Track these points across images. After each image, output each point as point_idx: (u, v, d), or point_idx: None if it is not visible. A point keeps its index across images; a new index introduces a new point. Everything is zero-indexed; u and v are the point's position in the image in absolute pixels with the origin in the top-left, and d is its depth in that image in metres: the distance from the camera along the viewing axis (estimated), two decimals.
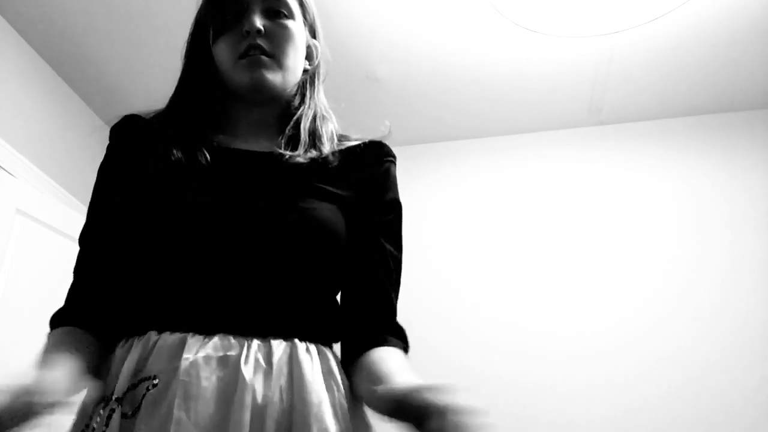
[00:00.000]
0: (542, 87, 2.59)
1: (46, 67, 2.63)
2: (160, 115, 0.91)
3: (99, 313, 0.80)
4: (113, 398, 0.69)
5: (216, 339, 0.72)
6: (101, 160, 0.89)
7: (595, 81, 2.50)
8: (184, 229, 0.77)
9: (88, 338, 0.77)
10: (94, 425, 0.69)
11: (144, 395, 0.69)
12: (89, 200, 0.88)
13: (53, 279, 2.26)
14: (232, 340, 0.73)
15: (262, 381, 0.71)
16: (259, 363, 0.72)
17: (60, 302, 0.83)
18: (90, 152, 2.79)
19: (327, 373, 0.77)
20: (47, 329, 0.80)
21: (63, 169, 2.70)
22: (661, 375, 2.40)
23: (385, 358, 0.77)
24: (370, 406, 0.73)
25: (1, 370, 2.19)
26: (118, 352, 0.76)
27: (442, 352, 2.63)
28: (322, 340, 0.81)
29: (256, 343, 0.73)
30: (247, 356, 0.72)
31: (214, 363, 0.71)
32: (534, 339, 2.59)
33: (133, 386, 0.70)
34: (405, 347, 0.83)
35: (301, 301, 0.79)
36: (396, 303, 0.87)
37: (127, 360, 0.72)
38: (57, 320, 0.80)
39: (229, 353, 0.72)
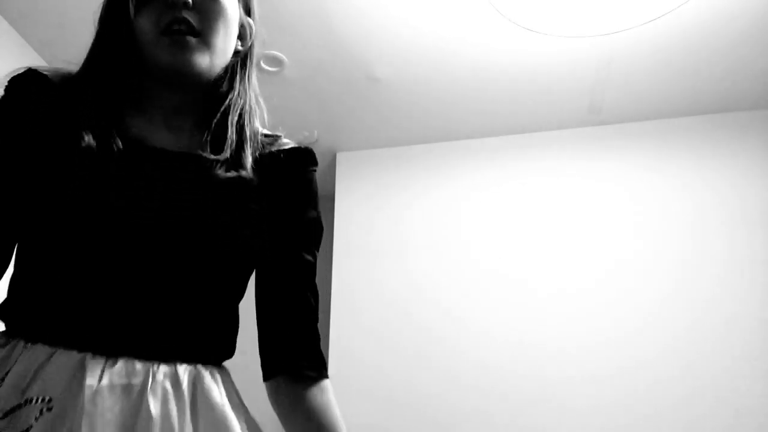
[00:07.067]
0: (542, 87, 2.58)
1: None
2: (70, 83, 0.78)
3: None
4: None
5: (120, 363, 0.67)
6: None
7: (595, 81, 2.49)
8: (89, 234, 0.68)
9: None
10: None
11: (36, 418, 0.62)
12: None
13: None
14: (137, 366, 0.68)
15: (168, 412, 0.66)
16: (167, 392, 0.68)
17: None
18: None
19: (233, 396, 0.76)
20: None
21: None
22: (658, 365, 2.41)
23: (320, 413, 0.81)
24: None
25: None
26: None
27: (423, 321, 2.64)
28: (221, 361, 0.80)
29: (162, 369, 0.69)
30: (153, 385, 0.67)
31: (118, 391, 0.65)
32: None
33: (18, 406, 0.63)
34: (326, 374, 0.85)
35: (207, 324, 0.77)
36: (317, 315, 0.86)
37: (10, 374, 0.65)
38: None
39: (133, 381, 0.66)
